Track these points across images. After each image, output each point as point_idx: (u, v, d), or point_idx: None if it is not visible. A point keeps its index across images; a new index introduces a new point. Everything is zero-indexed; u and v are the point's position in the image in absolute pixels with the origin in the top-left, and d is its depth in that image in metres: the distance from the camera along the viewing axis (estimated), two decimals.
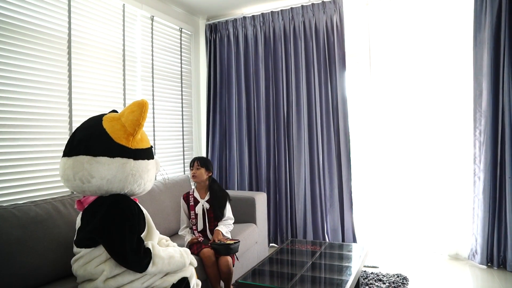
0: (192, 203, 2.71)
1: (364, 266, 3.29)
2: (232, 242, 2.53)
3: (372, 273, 3.12)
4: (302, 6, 3.89)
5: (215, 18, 4.42)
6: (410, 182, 3.76)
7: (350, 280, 2.09)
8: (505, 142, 3.14)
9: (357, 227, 3.76)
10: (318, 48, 3.86)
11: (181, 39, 4.13)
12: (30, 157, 2.45)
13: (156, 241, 1.94)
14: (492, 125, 3.20)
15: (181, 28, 4.12)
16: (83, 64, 2.86)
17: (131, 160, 1.85)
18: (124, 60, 3.27)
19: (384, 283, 2.89)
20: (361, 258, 2.47)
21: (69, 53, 2.75)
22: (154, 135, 3.62)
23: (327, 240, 3.83)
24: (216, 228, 2.65)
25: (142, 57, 3.51)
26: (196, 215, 2.69)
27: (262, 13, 4.08)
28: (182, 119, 4.12)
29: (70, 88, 2.75)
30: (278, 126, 4.05)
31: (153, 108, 3.63)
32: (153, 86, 3.64)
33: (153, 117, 3.62)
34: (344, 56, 3.74)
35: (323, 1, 3.79)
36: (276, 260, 2.53)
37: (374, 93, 3.84)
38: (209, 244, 2.51)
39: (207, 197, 2.72)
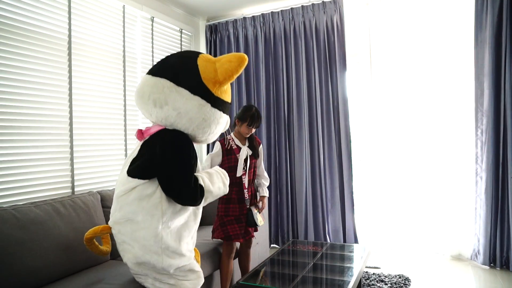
0: (235, 146, 2.66)
1: (366, 267, 3.27)
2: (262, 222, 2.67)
3: (374, 273, 3.10)
4: (302, 6, 3.88)
5: (215, 19, 4.41)
6: (412, 182, 3.75)
7: (352, 281, 2.07)
8: (507, 141, 3.13)
9: (358, 228, 3.75)
10: (318, 48, 3.85)
11: (181, 40, 4.13)
12: (30, 158, 2.44)
13: None
14: (494, 125, 3.19)
15: (181, 29, 4.12)
16: (83, 65, 2.86)
17: (209, 105, 1.82)
18: (124, 61, 3.26)
19: (386, 284, 2.87)
20: (362, 259, 2.46)
21: (69, 54, 2.74)
22: None
23: (329, 241, 3.81)
24: (264, 195, 2.77)
25: (142, 58, 3.50)
26: (237, 159, 2.63)
27: (262, 14, 4.08)
28: None
29: (70, 89, 2.74)
30: (279, 127, 4.04)
31: None
32: None
33: None
34: (344, 56, 3.74)
35: (323, 1, 3.79)
36: (277, 261, 2.52)
37: (375, 93, 3.83)
38: (249, 209, 2.61)
39: (247, 144, 2.70)
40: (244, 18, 4.17)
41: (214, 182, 1.91)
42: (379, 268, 3.29)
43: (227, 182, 2.01)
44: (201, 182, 1.82)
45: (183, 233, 1.84)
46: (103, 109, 3.03)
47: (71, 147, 2.73)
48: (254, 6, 4.13)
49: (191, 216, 1.89)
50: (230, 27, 4.25)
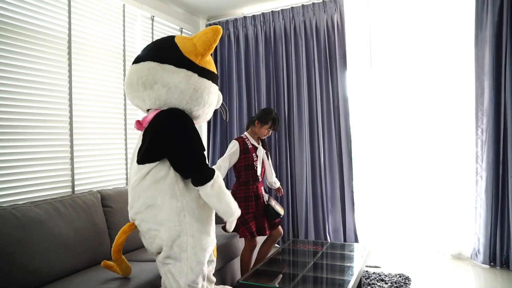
0: (250, 146, 2.81)
1: (366, 266, 3.27)
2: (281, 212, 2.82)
3: (374, 273, 3.10)
4: (303, 5, 3.88)
5: (215, 18, 4.41)
6: (412, 181, 3.75)
7: (352, 280, 2.07)
8: (507, 140, 3.12)
9: (359, 227, 3.75)
10: (319, 47, 3.84)
11: None
12: (30, 158, 2.44)
13: None
14: (494, 124, 3.18)
15: (182, 28, 4.11)
16: (83, 64, 2.86)
17: (196, 75, 1.85)
18: (124, 61, 3.26)
19: (386, 283, 2.87)
20: (363, 258, 2.46)
21: (69, 53, 2.74)
22: None
23: (329, 240, 3.81)
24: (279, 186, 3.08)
25: None
26: (257, 157, 2.81)
27: (263, 13, 4.07)
28: None
29: (70, 88, 2.74)
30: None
31: None
32: None
33: None
34: (345, 55, 3.73)
35: (323, 0, 3.78)
36: (278, 260, 2.52)
37: (375, 92, 3.83)
38: (266, 203, 2.80)
39: (260, 144, 2.89)
40: (245, 17, 4.16)
41: (227, 193, 1.85)
42: (380, 267, 3.29)
43: (236, 212, 1.91)
44: (216, 176, 1.81)
45: (204, 213, 1.85)
46: (103, 108, 3.03)
47: (71, 146, 2.73)
48: (254, 5, 4.12)
49: None
50: (230, 26, 4.25)
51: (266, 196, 2.86)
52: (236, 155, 2.75)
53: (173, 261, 1.78)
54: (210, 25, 4.32)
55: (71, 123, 2.73)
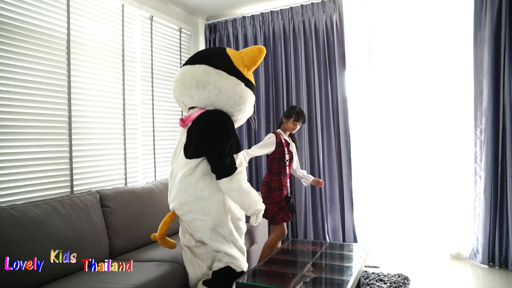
0: (283, 141, 3.05)
1: (365, 266, 3.28)
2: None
3: (373, 273, 3.10)
4: (302, 5, 3.88)
5: (214, 18, 4.41)
6: (411, 182, 3.75)
7: (351, 280, 2.07)
8: (506, 140, 3.13)
9: (358, 227, 3.75)
10: (318, 47, 3.84)
11: (180, 39, 4.12)
12: (29, 158, 2.43)
13: None
14: (493, 124, 3.19)
15: (181, 28, 4.11)
16: (82, 64, 2.85)
17: (243, 84, 2.13)
18: (123, 60, 3.25)
19: (385, 283, 2.87)
20: (362, 258, 2.46)
21: (68, 53, 2.74)
22: (153, 135, 3.61)
23: (328, 240, 3.81)
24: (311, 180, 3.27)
25: (141, 57, 3.50)
26: (290, 153, 3.08)
27: (262, 13, 4.07)
28: None
29: (69, 88, 2.73)
30: (278, 126, 4.02)
31: (153, 109, 3.62)
32: (152, 86, 3.62)
33: (153, 117, 3.61)
34: (344, 55, 3.73)
35: (322, 0, 3.78)
36: (276, 260, 2.52)
37: (374, 92, 3.83)
38: (289, 197, 3.04)
39: (291, 141, 3.15)
40: (244, 17, 4.16)
41: (251, 189, 2.08)
42: (379, 267, 3.29)
43: (255, 205, 2.10)
44: (238, 166, 2.05)
45: None
46: (102, 108, 3.02)
47: (70, 146, 2.72)
48: (253, 5, 4.12)
49: None
50: (229, 26, 4.24)
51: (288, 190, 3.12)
52: (271, 146, 3.00)
53: (219, 241, 2.07)
54: (209, 25, 4.35)
55: (70, 123, 2.73)
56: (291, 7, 3.93)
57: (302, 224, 3.88)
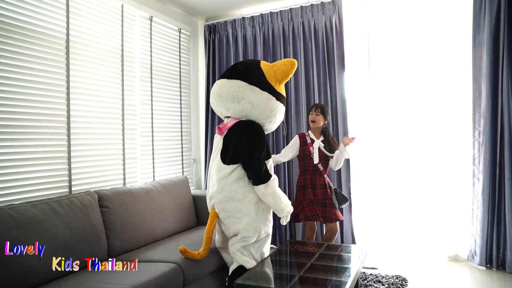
0: (309, 141, 3.22)
1: (363, 268, 3.28)
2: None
3: (371, 274, 3.11)
4: (301, 6, 3.88)
5: (214, 18, 4.41)
6: (409, 183, 3.75)
7: (349, 281, 2.07)
8: (504, 143, 3.13)
9: (356, 228, 3.75)
10: (317, 48, 3.85)
11: (179, 40, 4.12)
12: (27, 157, 2.43)
13: None
14: (491, 126, 3.19)
15: (180, 29, 4.11)
16: (81, 64, 2.85)
17: (274, 98, 2.37)
18: (122, 61, 3.25)
19: (383, 285, 2.87)
20: (360, 260, 2.46)
21: (67, 53, 2.74)
22: (152, 136, 3.60)
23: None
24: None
25: (140, 57, 3.50)
26: (320, 151, 3.20)
27: (261, 14, 4.07)
28: (181, 120, 4.11)
29: (68, 88, 2.73)
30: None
31: (152, 109, 3.62)
32: (151, 86, 3.62)
33: (152, 118, 3.61)
34: (343, 57, 3.74)
35: (322, 2, 3.79)
36: (275, 261, 2.52)
37: (373, 94, 3.83)
38: (334, 189, 3.21)
39: (321, 139, 3.25)
40: (243, 18, 4.17)
41: (282, 194, 2.37)
42: (376, 268, 3.29)
43: (285, 207, 2.40)
44: (272, 173, 2.35)
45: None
46: (101, 108, 3.02)
47: (69, 146, 2.72)
48: (253, 6, 4.13)
49: None
50: (229, 27, 4.25)
51: (332, 185, 3.26)
52: (294, 146, 3.25)
53: (248, 240, 2.33)
54: (208, 26, 4.36)
55: (68, 123, 2.72)
56: (290, 9, 3.93)
57: (301, 225, 3.88)
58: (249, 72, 2.34)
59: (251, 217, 2.31)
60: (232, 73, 2.39)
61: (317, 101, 3.81)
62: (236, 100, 2.29)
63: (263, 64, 2.42)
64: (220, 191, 2.30)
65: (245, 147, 2.26)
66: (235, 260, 2.38)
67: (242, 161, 2.28)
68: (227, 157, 2.31)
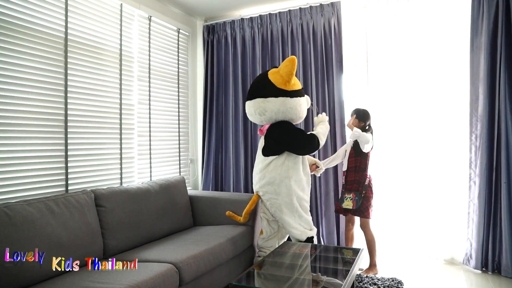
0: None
1: (359, 270, 3.28)
2: None
3: (367, 276, 3.11)
4: (300, 8, 3.89)
5: (213, 19, 4.41)
6: (406, 186, 3.76)
7: (345, 283, 2.07)
8: (501, 147, 3.14)
9: None
10: (315, 50, 3.85)
11: (178, 40, 4.12)
12: (24, 156, 2.42)
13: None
14: (488, 130, 3.20)
15: (179, 29, 4.11)
16: (79, 63, 2.85)
17: (289, 98, 2.83)
18: (120, 60, 3.25)
19: (379, 287, 2.88)
20: (356, 262, 2.46)
21: (66, 52, 2.73)
22: (150, 136, 3.60)
23: (323, 243, 3.82)
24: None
25: (139, 57, 3.49)
26: (351, 150, 3.34)
27: (260, 15, 4.08)
28: (179, 120, 4.11)
29: (65, 87, 2.73)
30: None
31: (149, 109, 3.61)
32: (149, 86, 3.62)
33: (149, 118, 3.60)
34: (341, 59, 3.74)
35: (321, 4, 3.79)
36: (271, 262, 2.52)
37: (371, 96, 3.84)
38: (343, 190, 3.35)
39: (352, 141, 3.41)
40: (242, 19, 4.17)
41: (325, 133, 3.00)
42: None
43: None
44: (317, 135, 2.89)
45: (301, 184, 2.92)
46: (99, 107, 3.02)
47: (66, 145, 2.71)
48: (252, 7, 4.13)
49: (301, 170, 2.93)
50: (227, 27, 4.25)
51: (344, 187, 3.37)
52: (340, 150, 3.50)
53: (287, 214, 2.87)
54: (207, 26, 4.36)
55: (66, 122, 2.72)
56: (289, 10, 3.94)
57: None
58: (260, 88, 2.87)
59: (286, 197, 2.84)
60: (250, 93, 2.96)
61: (314, 104, 3.82)
62: (262, 113, 2.86)
63: (271, 74, 2.87)
64: (262, 178, 2.88)
65: (282, 138, 2.81)
66: (294, 238, 2.95)
67: (293, 149, 2.82)
68: (266, 151, 2.88)
